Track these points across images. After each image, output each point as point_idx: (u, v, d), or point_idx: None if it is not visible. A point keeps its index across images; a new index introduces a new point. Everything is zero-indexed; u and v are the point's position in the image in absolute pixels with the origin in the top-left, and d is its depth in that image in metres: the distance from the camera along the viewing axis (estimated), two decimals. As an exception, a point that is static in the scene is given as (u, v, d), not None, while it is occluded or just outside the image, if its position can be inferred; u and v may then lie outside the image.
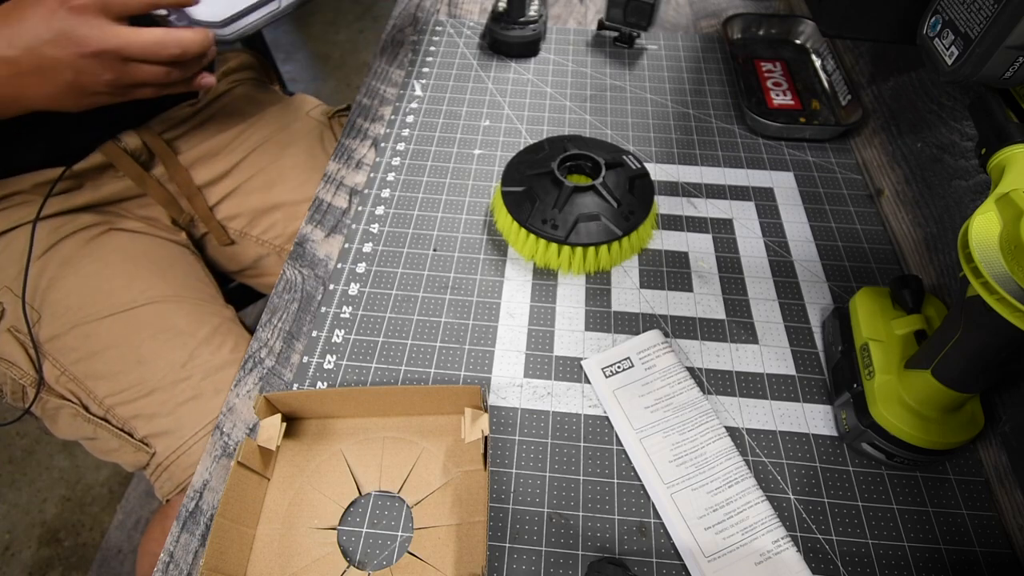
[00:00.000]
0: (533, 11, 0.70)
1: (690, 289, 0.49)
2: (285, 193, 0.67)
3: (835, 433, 0.41)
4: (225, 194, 0.67)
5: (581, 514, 0.38)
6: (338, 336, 0.46)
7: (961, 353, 0.33)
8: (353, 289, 0.49)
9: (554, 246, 0.48)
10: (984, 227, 0.28)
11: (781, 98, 0.65)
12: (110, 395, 0.52)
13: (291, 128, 0.71)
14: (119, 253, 0.59)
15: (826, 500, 0.38)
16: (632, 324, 0.47)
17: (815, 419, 0.42)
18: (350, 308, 0.48)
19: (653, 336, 0.45)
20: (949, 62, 0.34)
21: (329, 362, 0.45)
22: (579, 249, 0.48)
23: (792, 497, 0.38)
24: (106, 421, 0.52)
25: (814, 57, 0.70)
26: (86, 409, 0.53)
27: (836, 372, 0.43)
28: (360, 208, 0.55)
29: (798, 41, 0.73)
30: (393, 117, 0.64)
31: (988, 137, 0.33)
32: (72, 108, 0.45)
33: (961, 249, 0.29)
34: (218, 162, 0.67)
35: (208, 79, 0.49)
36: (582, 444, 0.41)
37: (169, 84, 0.47)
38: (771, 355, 0.45)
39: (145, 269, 0.59)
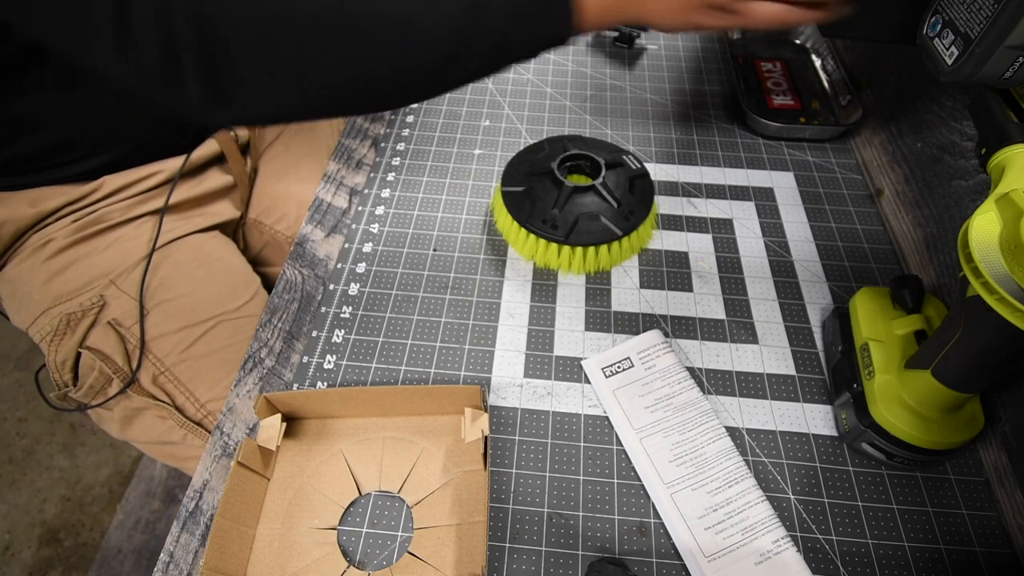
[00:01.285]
0: (533, 11, 0.69)
1: (690, 289, 0.49)
2: (297, 182, 0.67)
3: (835, 433, 0.41)
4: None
5: (581, 514, 0.38)
6: (338, 336, 0.46)
7: (961, 353, 0.33)
8: (353, 289, 0.49)
9: (554, 246, 0.48)
10: (984, 227, 0.28)
11: (781, 98, 0.65)
12: (213, 399, 0.52)
13: None
14: (222, 263, 0.60)
15: (826, 500, 0.38)
16: (632, 324, 0.47)
17: (815, 419, 0.42)
18: (350, 308, 0.48)
19: (653, 336, 0.45)
20: (949, 62, 0.34)
21: (329, 362, 0.45)
22: (579, 249, 0.48)
23: (792, 497, 0.38)
24: (201, 426, 0.52)
25: (814, 57, 0.70)
26: (181, 412, 0.52)
27: (836, 372, 0.43)
28: (360, 208, 0.55)
29: (798, 41, 0.73)
30: (393, 117, 0.64)
31: (988, 137, 0.33)
32: (670, 25, 0.39)
33: (961, 249, 0.29)
34: (263, 150, 0.68)
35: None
36: (582, 444, 0.41)
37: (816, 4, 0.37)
38: (771, 355, 0.45)
39: (243, 280, 0.60)
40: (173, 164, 0.59)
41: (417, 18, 0.34)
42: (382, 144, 0.61)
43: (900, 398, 0.37)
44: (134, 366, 0.52)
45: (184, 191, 0.60)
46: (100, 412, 0.55)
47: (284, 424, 0.39)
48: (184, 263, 0.57)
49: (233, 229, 0.67)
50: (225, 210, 0.64)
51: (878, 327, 0.41)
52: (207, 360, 0.53)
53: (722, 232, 0.53)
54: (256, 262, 0.71)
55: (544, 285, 0.50)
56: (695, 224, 0.54)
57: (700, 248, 0.52)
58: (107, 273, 0.54)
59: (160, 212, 0.57)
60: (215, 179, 0.63)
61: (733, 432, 0.41)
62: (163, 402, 0.52)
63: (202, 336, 0.54)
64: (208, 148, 0.61)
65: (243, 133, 0.64)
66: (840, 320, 0.44)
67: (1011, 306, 0.26)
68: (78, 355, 0.53)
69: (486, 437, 0.38)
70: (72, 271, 0.54)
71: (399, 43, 0.34)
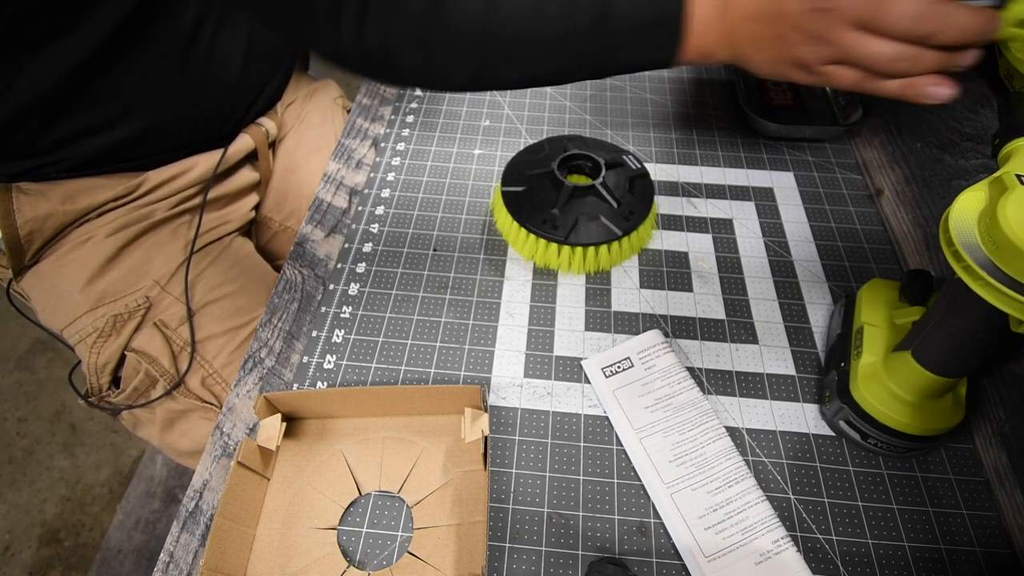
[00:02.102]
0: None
1: (690, 289, 0.49)
2: (308, 175, 0.67)
3: (835, 432, 0.41)
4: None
5: (581, 514, 0.38)
6: (338, 336, 0.46)
7: (939, 333, 0.34)
8: (353, 289, 0.49)
9: (554, 246, 0.48)
10: (965, 204, 0.29)
11: (781, 98, 0.65)
12: None
13: (320, 110, 0.72)
14: (250, 261, 0.61)
15: (826, 500, 0.38)
16: (632, 324, 0.47)
17: (815, 419, 0.42)
18: (350, 308, 0.48)
19: (653, 336, 0.45)
20: None
21: (329, 362, 0.45)
22: (579, 249, 0.48)
23: (792, 497, 0.38)
24: None
25: (814, 57, 0.70)
26: None
27: (830, 354, 0.43)
28: (360, 208, 0.55)
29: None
30: (393, 117, 0.64)
31: (1006, 130, 0.34)
32: (766, 71, 0.39)
33: (943, 233, 0.29)
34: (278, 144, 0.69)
35: (944, 91, 0.34)
36: (582, 444, 0.41)
37: (893, 76, 0.34)
38: (771, 355, 0.45)
39: (272, 280, 0.60)
40: (209, 161, 0.59)
41: (546, 40, 0.38)
42: (382, 144, 0.61)
43: (881, 379, 0.38)
44: (181, 368, 0.52)
45: (219, 188, 0.61)
46: (138, 415, 0.55)
47: (284, 424, 0.39)
48: (221, 263, 0.58)
49: (248, 226, 0.68)
50: (252, 207, 0.65)
51: (878, 314, 0.41)
52: None
53: (722, 232, 0.53)
54: (263, 257, 0.71)
55: (544, 285, 0.50)
56: (695, 224, 0.54)
57: (700, 248, 0.52)
58: (151, 274, 0.54)
59: (199, 209, 0.58)
60: (246, 176, 0.63)
61: (733, 432, 0.41)
62: (211, 404, 0.52)
63: (248, 338, 0.54)
64: (243, 144, 0.61)
65: (273, 129, 0.64)
66: (847, 308, 0.44)
67: (982, 280, 0.27)
68: (120, 358, 0.52)
69: (486, 437, 0.38)
70: (116, 272, 0.54)
71: (527, 59, 0.39)
